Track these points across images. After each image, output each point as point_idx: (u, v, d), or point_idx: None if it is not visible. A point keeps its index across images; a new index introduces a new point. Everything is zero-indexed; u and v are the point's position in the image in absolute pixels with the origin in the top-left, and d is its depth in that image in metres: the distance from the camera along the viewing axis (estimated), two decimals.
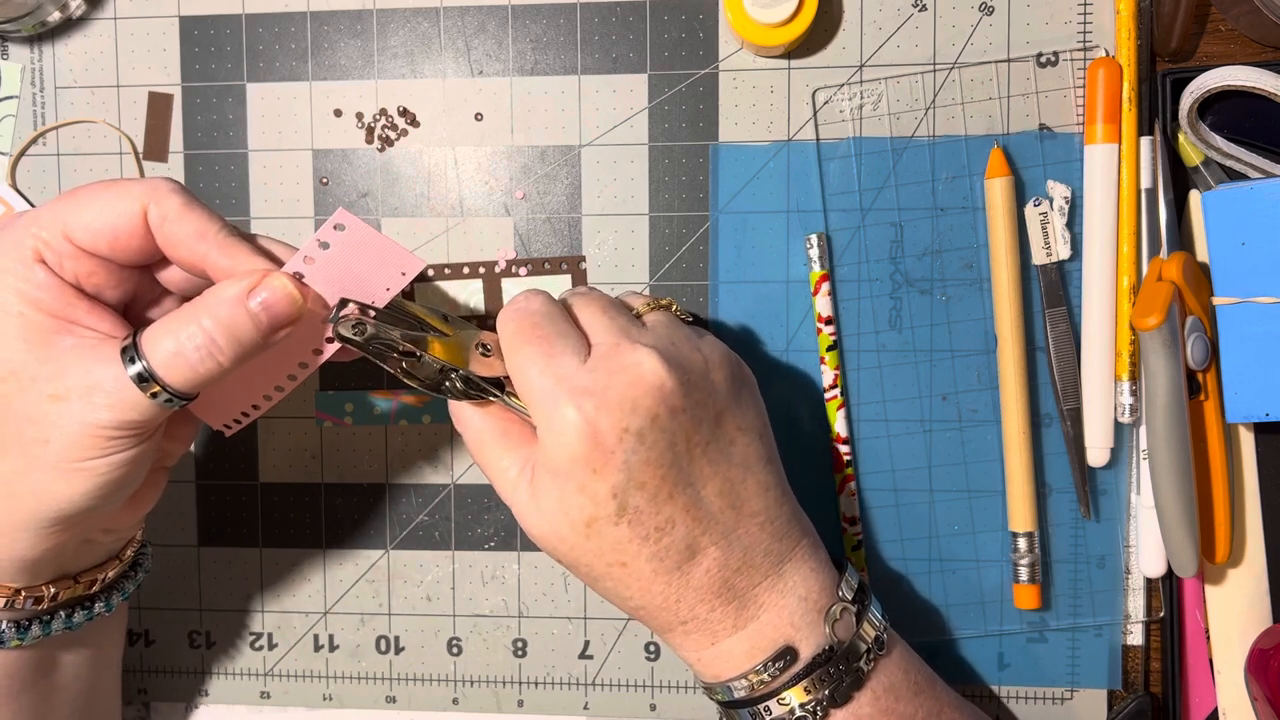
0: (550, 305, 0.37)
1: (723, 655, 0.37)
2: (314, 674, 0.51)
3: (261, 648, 0.51)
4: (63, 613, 0.39)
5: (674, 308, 0.41)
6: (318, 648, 0.51)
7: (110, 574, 0.41)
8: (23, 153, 0.50)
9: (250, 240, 0.37)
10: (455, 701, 0.50)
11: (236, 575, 0.51)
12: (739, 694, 0.37)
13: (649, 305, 0.40)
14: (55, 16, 0.48)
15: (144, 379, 0.34)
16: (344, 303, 0.37)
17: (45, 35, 0.49)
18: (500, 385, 0.37)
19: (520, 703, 0.50)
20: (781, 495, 0.39)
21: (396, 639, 0.50)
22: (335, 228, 0.37)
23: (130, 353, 0.34)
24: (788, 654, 0.36)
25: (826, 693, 0.36)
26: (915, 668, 0.39)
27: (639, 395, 0.35)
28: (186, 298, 0.39)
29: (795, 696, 0.36)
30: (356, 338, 0.36)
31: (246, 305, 0.35)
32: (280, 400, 0.40)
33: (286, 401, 0.49)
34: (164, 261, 0.38)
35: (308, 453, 0.50)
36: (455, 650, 0.50)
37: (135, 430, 0.35)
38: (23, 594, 0.37)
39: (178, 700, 0.51)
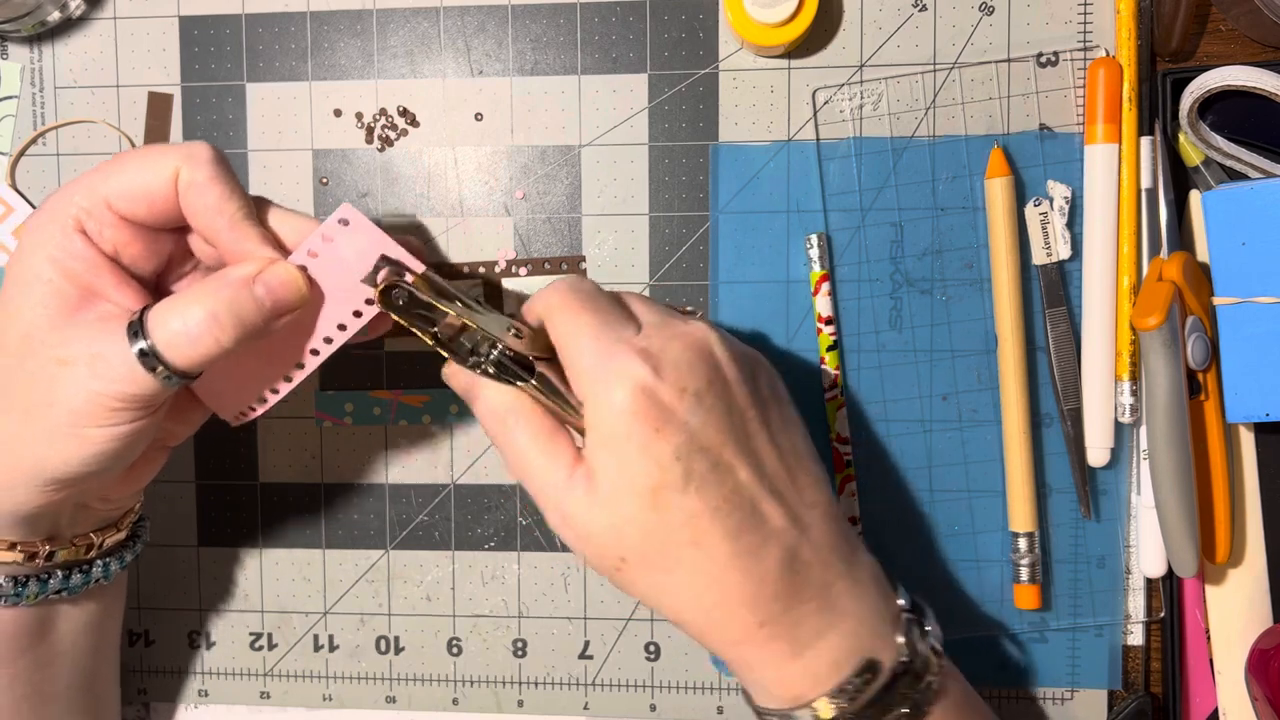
0: (597, 285, 0.37)
1: (808, 669, 0.35)
2: (314, 674, 0.51)
3: (261, 648, 0.51)
4: (60, 573, 0.40)
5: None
6: (318, 648, 0.51)
7: (107, 540, 0.41)
8: (23, 153, 0.50)
9: (263, 225, 0.38)
10: (455, 702, 0.50)
11: (236, 575, 0.51)
12: (825, 715, 0.34)
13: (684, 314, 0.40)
14: (55, 16, 0.48)
15: (146, 355, 0.35)
16: (382, 263, 0.37)
17: (45, 35, 0.49)
18: (532, 371, 0.37)
19: (520, 703, 0.50)
20: (833, 494, 0.38)
21: (396, 639, 0.50)
22: (340, 222, 0.37)
23: (135, 328, 0.35)
24: (872, 668, 0.34)
25: (905, 710, 0.34)
26: (967, 683, 0.38)
27: (695, 359, 0.34)
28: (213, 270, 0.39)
29: (874, 715, 0.34)
30: (396, 301, 0.37)
31: (251, 289, 0.36)
32: (288, 392, 0.40)
33: (286, 401, 0.49)
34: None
35: (308, 453, 0.50)
36: (455, 650, 0.50)
37: (137, 405, 0.35)
38: (18, 548, 0.38)
39: (178, 700, 0.51)
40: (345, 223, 0.37)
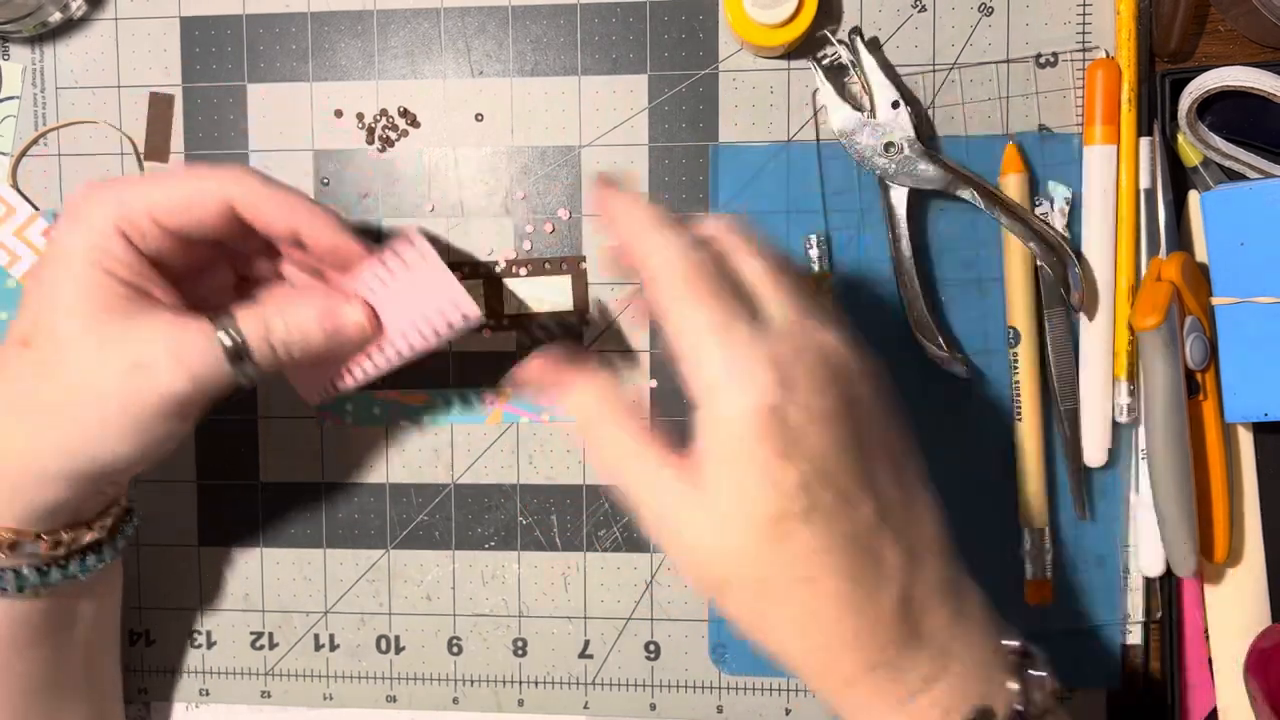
0: (709, 260, 0.33)
1: (916, 718, 0.32)
2: (314, 674, 0.51)
3: (262, 647, 0.51)
4: (76, 558, 0.41)
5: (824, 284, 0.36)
6: (318, 647, 0.51)
7: (110, 521, 0.42)
8: (24, 153, 0.50)
9: (332, 212, 0.40)
10: (455, 701, 0.50)
11: (236, 575, 0.51)
12: None
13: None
14: (56, 17, 0.48)
15: (236, 353, 0.37)
16: None
17: (46, 36, 0.49)
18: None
19: (520, 702, 0.50)
20: (944, 525, 0.35)
21: (396, 639, 0.50)
22: (406, 253, 0.40)
23: (227, 324, 0.37)
24: (985, 717, 0.32)
25: None
26: None
27: (831, 376, 0.31)
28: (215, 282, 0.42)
29: None
30: None
31: (323, 324, 0.39)
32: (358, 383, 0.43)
33: (286, 401, 0.49)
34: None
35: (308, 453, 0.50)
36: (455, 650, 0.50)
37: (202, 404, 0.38)
38: (42, 538, 0.39)
39: (178, 700, 0.51)
40: (412, 252, 0.40)
